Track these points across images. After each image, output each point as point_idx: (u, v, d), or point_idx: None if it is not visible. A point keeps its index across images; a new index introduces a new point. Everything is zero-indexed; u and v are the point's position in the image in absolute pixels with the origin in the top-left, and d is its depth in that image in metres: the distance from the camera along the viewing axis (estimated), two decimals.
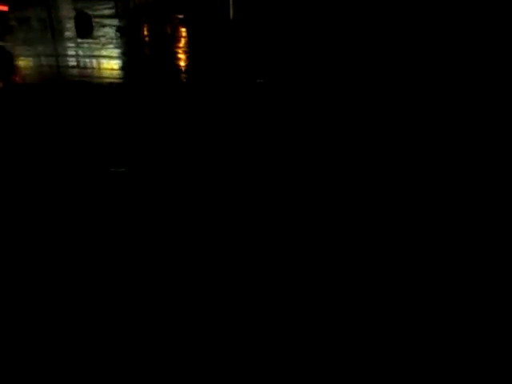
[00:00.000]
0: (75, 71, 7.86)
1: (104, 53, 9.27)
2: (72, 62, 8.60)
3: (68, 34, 11.39)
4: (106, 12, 14.89)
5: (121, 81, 7.43)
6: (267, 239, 3.09)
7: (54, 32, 11.65)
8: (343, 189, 3.84)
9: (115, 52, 9.78)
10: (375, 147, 4.70)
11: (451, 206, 3.48)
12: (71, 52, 9.39)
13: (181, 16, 16.91)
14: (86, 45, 10.03)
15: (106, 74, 7.67)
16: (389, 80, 7.31)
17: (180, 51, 10.65)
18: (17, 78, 7.35)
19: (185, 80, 7.98)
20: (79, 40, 10.56)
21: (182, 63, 9.50)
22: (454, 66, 7.81)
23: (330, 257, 2.82)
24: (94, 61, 8.58)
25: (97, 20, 13.33)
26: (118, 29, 12.37)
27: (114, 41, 10.69)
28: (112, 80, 7.27)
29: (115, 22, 14.72)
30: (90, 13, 13.33)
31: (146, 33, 14.61)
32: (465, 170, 4.09)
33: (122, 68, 8.39)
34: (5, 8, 11.42)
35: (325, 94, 6.51)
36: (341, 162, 4.38)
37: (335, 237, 3.06)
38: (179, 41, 12.96)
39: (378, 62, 8.59)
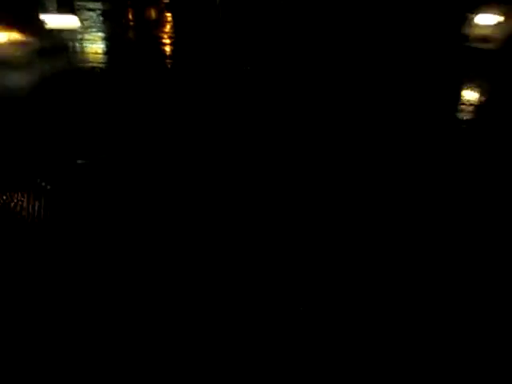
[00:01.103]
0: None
1: (87, 36, 9.05)
2: None
3: None
4: None
5: (104, 65, 7.24)
6: (257, 239, 3.01)
7: None
8: (329, 179, 3.79)
9: (98, 36, 9.55)
10: (360, 131, 4.65)
11: (452, 206, 3.46)
12: None
13: (166, 0, 16.61)
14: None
15: (89, 58, 7.47)
16: (371, 67, 7.27)
17: (165, 36, 10.44)
18: None
19: (170, 66, 7.82)
20: None
21: (168, 48, 9.32)
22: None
23: (329, 257, 2.77)
24: (77, 45, 8.36)
25: (79, 3, 13.00)
26: (102, 12, 12.10)
27: (98, 24, 10.44)
28: (95, 64, 7.08)
29: (99, 5, 14.38)
30: None
31: (130, 17, 14.32)
32: (465, 170, 4.05)
33: (106, 52, 8.19)
34: None
35: (311, 80, 6.44)
36: (328, 149, 4.33)
37: (332, 237, 3.00)
38: (165, 25, 12.73)
39: (363, 51, 8.55)
